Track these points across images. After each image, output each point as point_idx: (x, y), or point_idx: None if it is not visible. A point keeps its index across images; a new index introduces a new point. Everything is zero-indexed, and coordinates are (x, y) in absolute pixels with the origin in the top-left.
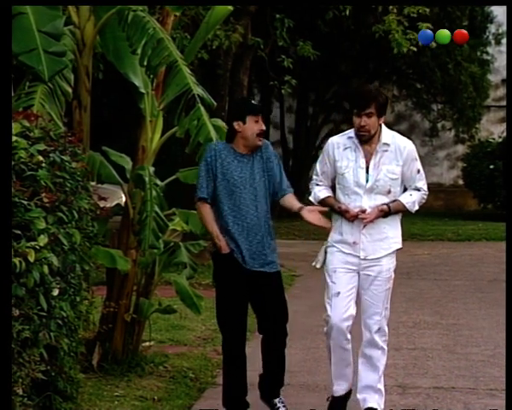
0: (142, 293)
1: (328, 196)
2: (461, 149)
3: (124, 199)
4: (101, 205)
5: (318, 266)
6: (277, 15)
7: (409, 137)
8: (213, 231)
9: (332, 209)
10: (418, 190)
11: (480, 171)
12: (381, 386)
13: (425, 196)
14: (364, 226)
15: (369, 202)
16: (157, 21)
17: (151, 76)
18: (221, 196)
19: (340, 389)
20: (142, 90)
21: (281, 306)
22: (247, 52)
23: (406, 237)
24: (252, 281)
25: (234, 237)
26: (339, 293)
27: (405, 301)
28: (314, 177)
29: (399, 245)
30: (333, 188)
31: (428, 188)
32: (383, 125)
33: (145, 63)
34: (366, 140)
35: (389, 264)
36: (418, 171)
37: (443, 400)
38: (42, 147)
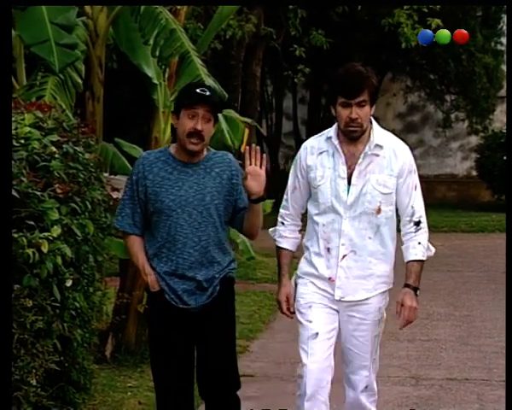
0: None
1: (285, 250)
2: (474, 139)
3: None
4: (114, 196)
5: None
6: (290, 6)
7: (421, 129)
8: (139, 263)
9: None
10: (417, 224)
11: (493, 162)
12: None
13: (427, 233)
14: (344, 257)
15: (351, 226)
16: (169, 12)
17: (163, 67)
18: (152, 222)
19: None
20: (155, 81)
21: (228, 362)
22: (260, 43)
23: None
24: (193, 324)
25: (163, 278)
26: (317, 334)
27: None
28: (281, 209)
29: (388, 286)
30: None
31: (442, 179)
32: (374, 121)
33: (157, 54)
34: (356, 138)
35: (379, 303)
36: (415, 187)
37: (456, 391)
38: (55, 138)
